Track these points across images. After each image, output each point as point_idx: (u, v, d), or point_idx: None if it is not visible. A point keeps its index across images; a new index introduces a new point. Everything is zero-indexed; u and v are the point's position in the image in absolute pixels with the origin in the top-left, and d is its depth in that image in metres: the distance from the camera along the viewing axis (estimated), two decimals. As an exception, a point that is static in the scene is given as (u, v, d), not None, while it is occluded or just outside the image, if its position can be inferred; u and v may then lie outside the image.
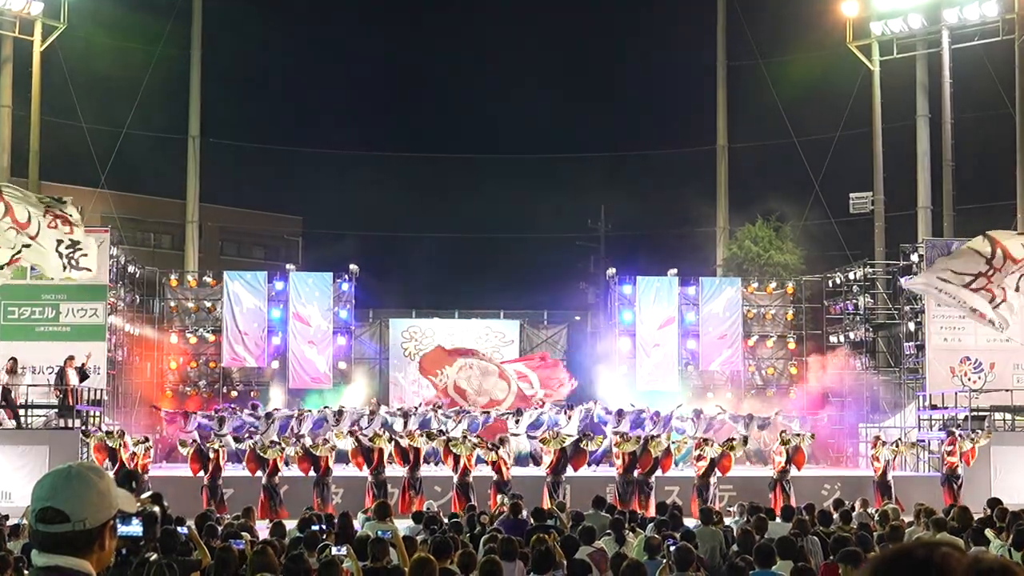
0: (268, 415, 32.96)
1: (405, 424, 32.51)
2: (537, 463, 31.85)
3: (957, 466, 28.43)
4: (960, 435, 29.32)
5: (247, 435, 32.09)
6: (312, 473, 27.80)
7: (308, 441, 29.77)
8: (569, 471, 28.33)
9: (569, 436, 29.66)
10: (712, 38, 49.07)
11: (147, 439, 28.74)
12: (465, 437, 28.87)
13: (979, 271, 25.33)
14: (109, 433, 28.61)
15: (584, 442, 29.28)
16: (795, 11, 45.74)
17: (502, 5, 55.38)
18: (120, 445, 27.74)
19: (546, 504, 22.94)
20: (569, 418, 33.35)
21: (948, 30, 40.65)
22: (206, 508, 21.42)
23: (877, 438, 29.53)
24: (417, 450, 28.21)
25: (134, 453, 27.66)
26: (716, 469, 27.74)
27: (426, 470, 29.08)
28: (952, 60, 40.79)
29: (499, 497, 24.76)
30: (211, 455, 27.70)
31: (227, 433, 32.28)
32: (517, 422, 33.33)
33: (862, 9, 42.21)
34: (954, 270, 25.77)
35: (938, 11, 40.64)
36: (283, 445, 28.45)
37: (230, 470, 29.08)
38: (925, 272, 28.49)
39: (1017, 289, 25.80)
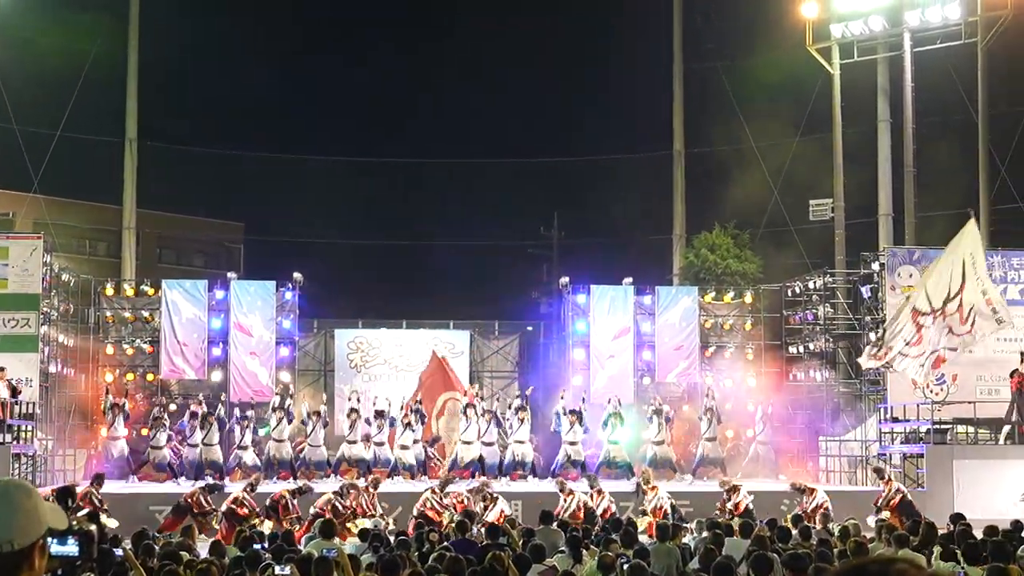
0: (204, 416, 32.35)
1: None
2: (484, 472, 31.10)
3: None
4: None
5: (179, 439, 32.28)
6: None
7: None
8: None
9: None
10: (668, 40, 48.26)
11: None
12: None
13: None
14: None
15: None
16: (754, 13, 45.07)
17: (452, 7, 54.64)
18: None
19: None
20: (521, 421, 32.42)
21: (910, 33, 39.90)
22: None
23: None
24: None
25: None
26: None
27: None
28: (914, 64, 40.09)
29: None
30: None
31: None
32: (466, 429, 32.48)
33: (822, 11, 41.47)
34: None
35: (899, 13, 39.88)
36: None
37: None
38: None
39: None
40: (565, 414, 32.76)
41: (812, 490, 26.62)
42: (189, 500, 26.21)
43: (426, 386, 36.25)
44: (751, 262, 44.09)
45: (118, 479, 31.39)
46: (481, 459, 31.84)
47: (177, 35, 47.72)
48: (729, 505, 25.87)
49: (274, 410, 32.66)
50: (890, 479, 27.38)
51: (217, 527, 25.47)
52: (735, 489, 26.58)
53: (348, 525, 24.35)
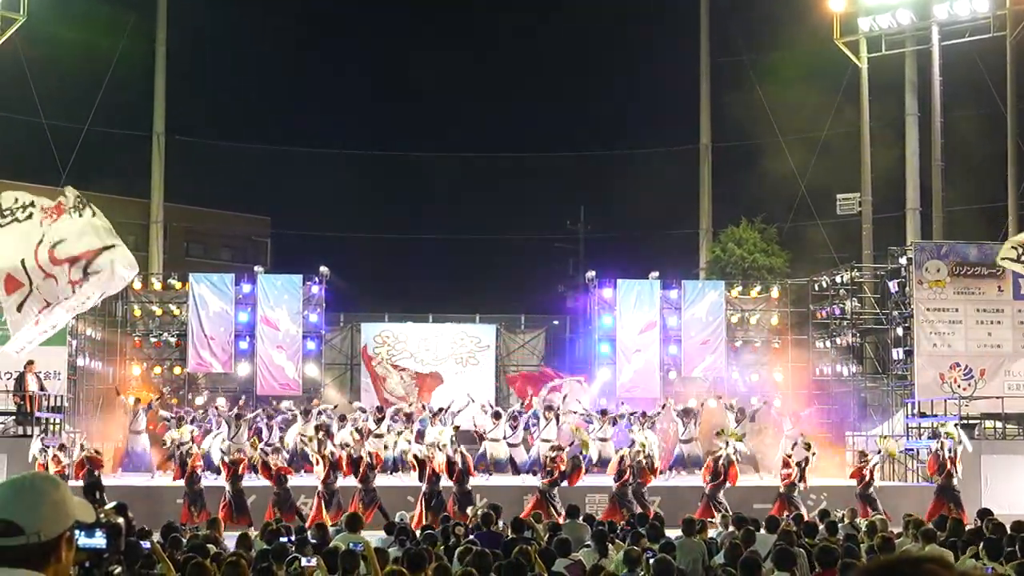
0: (237, 416, 32.22)
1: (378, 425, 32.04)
2: (517, 471, 31.15)
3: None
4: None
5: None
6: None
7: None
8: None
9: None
10: (696, 34, 48.11)
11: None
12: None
13: None
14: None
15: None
16: (781, 7, 44.71)
17: (478, 2, 54.64)
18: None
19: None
20: (548, 421, 32.67)
21: (938, 26, 39.62)
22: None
23: (862, 452, 28.89)
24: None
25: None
26: (726, 480, 27.56)
27: (391, 479, 29.21)
28: (942, 58, 39.79)
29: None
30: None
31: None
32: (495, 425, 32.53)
33: (849, 4, 41.18)
34: None
35: (928, 7, 39.61)
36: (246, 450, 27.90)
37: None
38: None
39: None
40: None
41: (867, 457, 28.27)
42: None
43: (376, 377, 37.08)
44: (778, 256, 44.01)
45: (143, 472, 31.60)
46: (512, 460, 32.02)
47: (203, 29, 47.76)
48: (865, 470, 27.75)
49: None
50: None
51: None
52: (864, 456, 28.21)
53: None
